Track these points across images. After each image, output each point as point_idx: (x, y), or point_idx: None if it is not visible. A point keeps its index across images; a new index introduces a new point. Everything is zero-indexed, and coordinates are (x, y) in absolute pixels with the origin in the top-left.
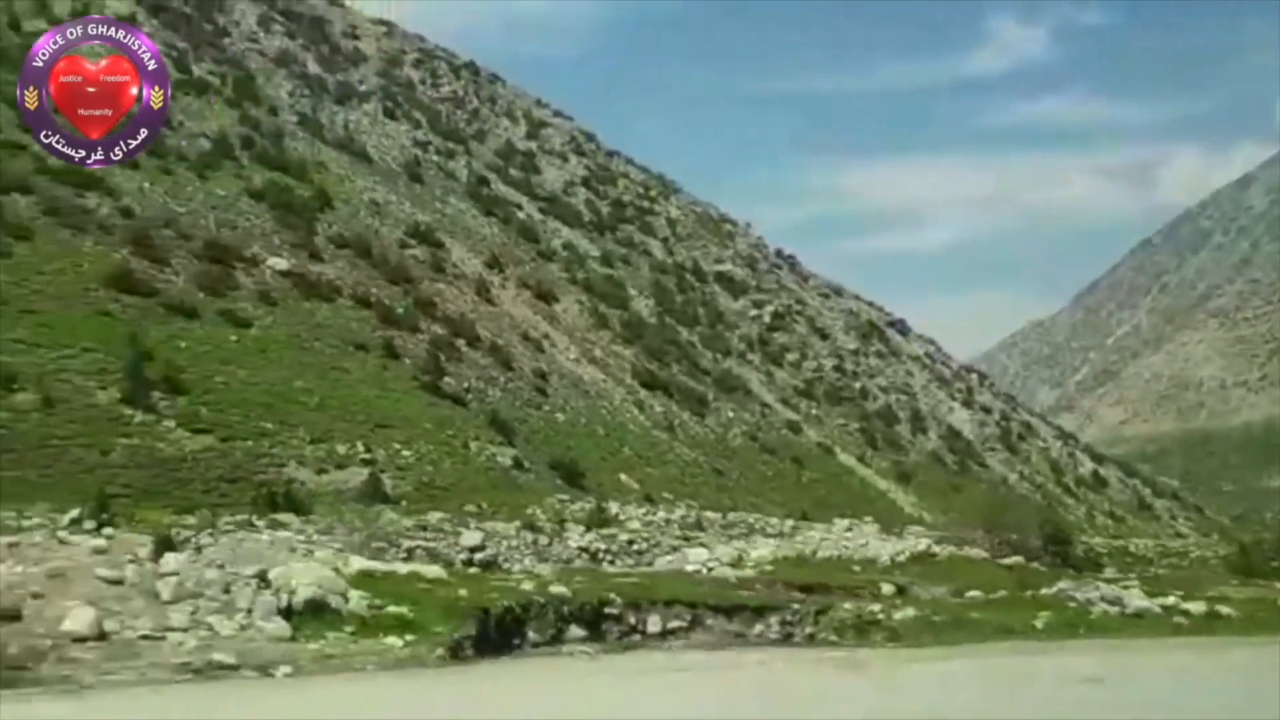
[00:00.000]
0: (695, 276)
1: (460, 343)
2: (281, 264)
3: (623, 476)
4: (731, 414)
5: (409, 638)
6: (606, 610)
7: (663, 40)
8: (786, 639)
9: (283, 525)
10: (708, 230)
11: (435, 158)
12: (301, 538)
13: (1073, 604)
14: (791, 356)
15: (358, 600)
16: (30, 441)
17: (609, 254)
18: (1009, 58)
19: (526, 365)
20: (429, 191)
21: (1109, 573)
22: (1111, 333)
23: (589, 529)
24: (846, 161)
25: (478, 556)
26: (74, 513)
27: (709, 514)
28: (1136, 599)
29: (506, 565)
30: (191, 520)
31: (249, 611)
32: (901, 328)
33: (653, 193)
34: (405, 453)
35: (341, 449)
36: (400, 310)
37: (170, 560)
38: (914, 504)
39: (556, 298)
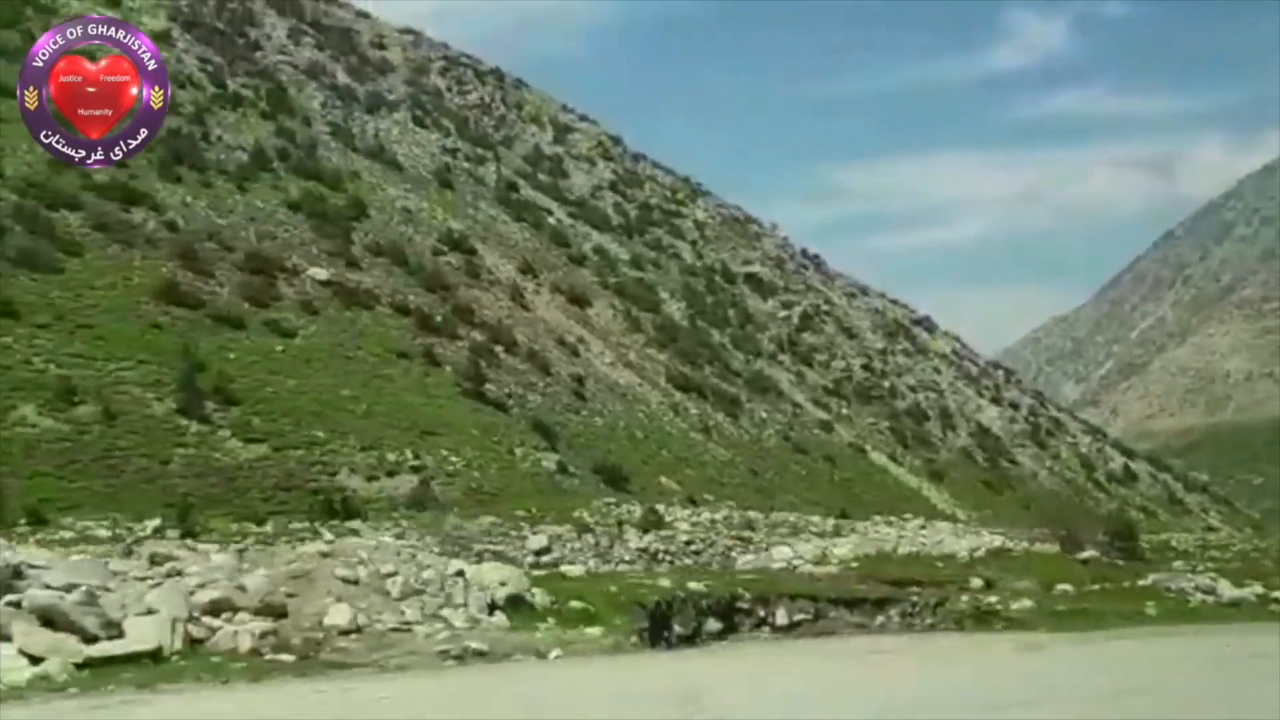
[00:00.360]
0: (724, 278)
1: (498, 349)
2: (321, 273)
3: (663, 479)
4: (764, 415)
5: (600, 628)
6: (737, 604)
7: (681, 42)
8: (908, 629)
9: (354, 532)
10: (735, 232)
11: (465, 164)
12: (387, 542)
13: (1170, 594)
14: (821, 356)
15: (541, 595)
16: (93, 452)
17: (639, 257)
18: (1030, 53)
19: (564, 370)
20: (460, 198)
21: (1177, 565)
22: (1135, 326)
23: (645, 531)
24: (869, 161)
25: (543, 559)
26: (155, 521)
27: (751, 514)
28: (1228, 589)
29: (572, 567)
30: (266, 529)
31: (465, 606)
32: (927, 325)
33: (680, 195)
34: (453, 459)
35: (391, 456)
36: (439, 318)
37: (360, 568)
38: (947, 501)
39: (589, 302)
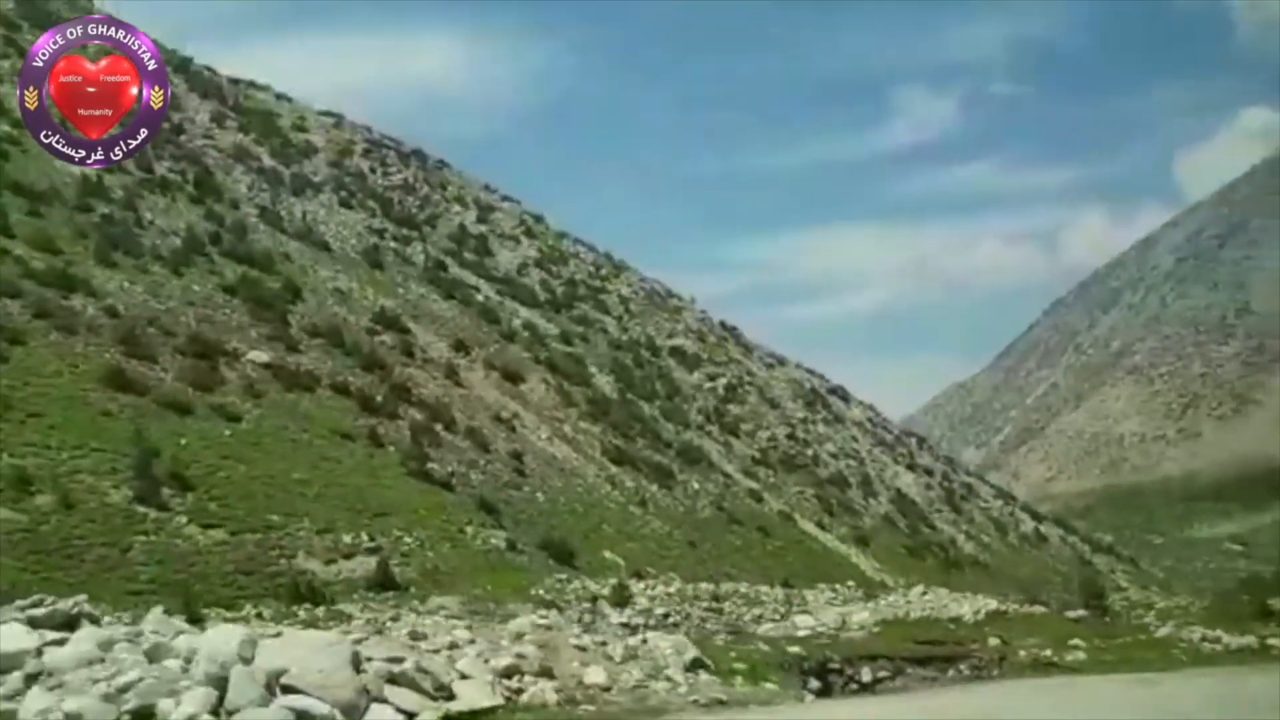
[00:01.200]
0: (650, 352)
1: (438, 427)
2: (262, 356)
3: (606, 553)
4: (697, 485)
5: (772, 683)
6: (829, 665)
7: (575, 126)
8: (979, 680)
9: (343, 614)
10: (656, 306)
11: (392, 244)
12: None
13: (1183, 643)
14: (746, 426)
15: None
16: (53, 542)
17: (567, 332)
18: (923, 130)
19: (502, 447)
20: (389, 278)
21: (1150, 621)
22: (1032, 392)
23: (619, 606)
24: (769, 234)
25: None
26: (158, 610)
27: (703, 585)
28: (1229, 637)
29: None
30: (243, 613)
31: (669, 667)
32: (842, 394)
33: (603, 271)
34: (407, 539)
35: (346, 538)
36: (379, 398)
37: (584, 636)
38: (875, 568)
39: (522, 378)
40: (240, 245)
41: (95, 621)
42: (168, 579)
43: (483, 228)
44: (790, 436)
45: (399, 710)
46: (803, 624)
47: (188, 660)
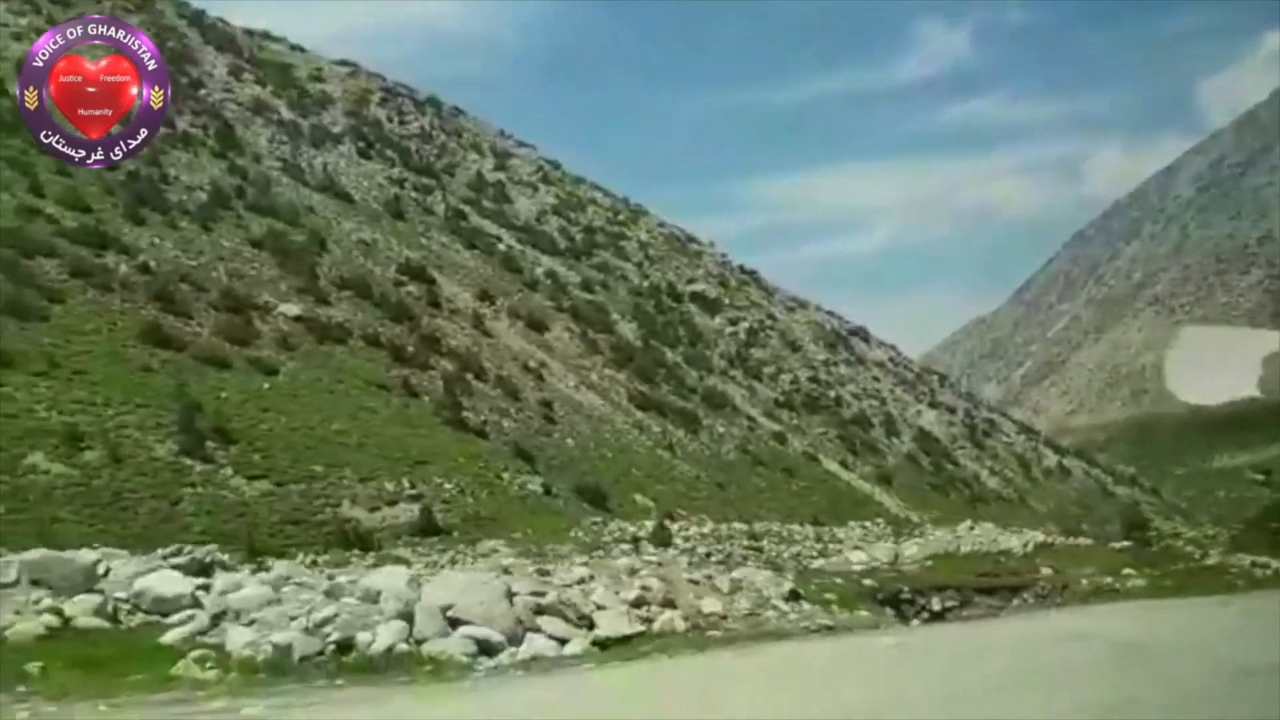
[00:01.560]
0: (671, 297)
1: (469, 376)
2: (293, 309)
3: (637, 497)
4: (722, 429)
5: (863, 611)
6: (900, 595)
7: (577, 62)
8: (1044, 607)
9: (400, 559)
10: (677, 250)
11: (413, 194)
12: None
13: (1234, 569)
14: (769, 370)
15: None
16: (106, 496)
17: (588, 280)
18: (937, 62)
19: (531, 395)
20: (411, 228)
21: (1187, 549)
22: (1052, 325)
23: (663, 546)
24: (784, 172)
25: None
26: (224, 557)
27: (736, 525)
28: (1275, 562)
29: None
30: (297, 561)
31: (771, 598)
32: (863, 335)
33: (621, 217)
34: (447, 486)
35: (389, 486)
36: (410, 348)
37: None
38: (899, 506)
39: (547, 326)
40: (264, 199)
41: (226, 568)
42: (219, 529)
43: (500, 175)
44: (813, 379)
45: (551, 637)
46: (857, 559)
47: (361, 598)
